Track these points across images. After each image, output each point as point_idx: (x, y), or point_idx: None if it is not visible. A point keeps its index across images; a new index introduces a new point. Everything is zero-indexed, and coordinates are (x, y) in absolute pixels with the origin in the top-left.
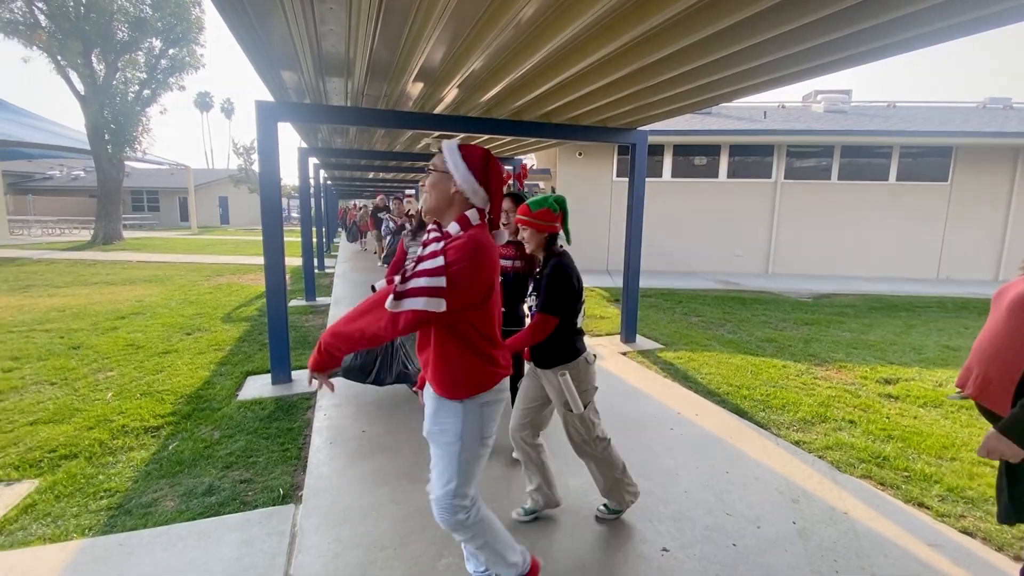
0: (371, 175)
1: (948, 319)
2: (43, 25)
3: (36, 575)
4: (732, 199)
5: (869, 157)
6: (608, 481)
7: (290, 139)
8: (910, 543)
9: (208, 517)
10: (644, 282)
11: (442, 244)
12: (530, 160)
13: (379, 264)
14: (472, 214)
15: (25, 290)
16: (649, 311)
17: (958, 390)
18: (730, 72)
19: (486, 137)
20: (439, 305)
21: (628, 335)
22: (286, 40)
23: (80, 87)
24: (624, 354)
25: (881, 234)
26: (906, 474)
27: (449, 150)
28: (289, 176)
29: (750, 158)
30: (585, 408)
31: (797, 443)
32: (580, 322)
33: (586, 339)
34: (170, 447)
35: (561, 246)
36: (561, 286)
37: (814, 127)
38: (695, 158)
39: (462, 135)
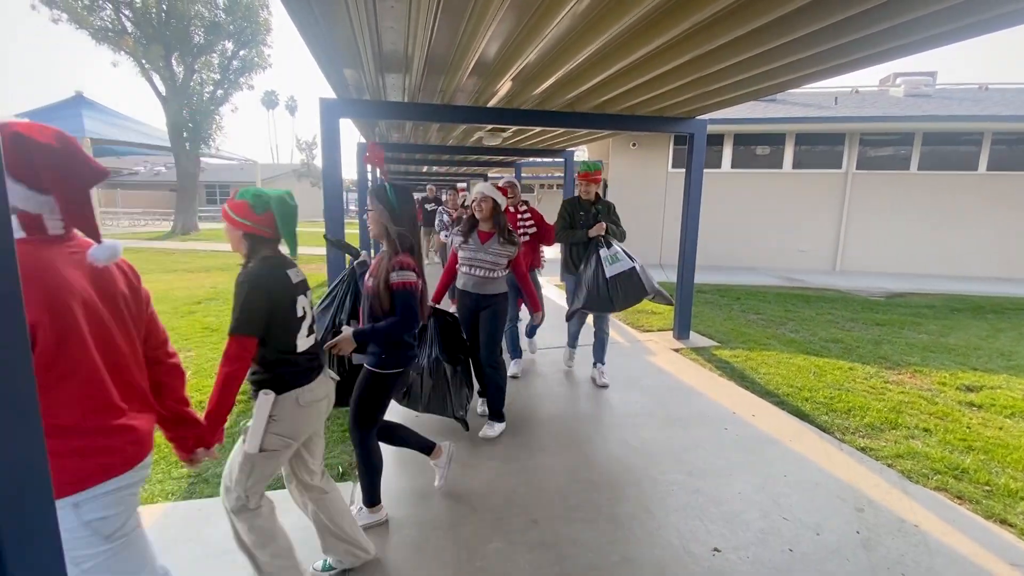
0: (424, 169)
1: None
2: (129, 31)
3: None
4: (797, 191)
5: (956, 144)
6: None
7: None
8: (989, 562)
9: (276, 489)
10: (699, 277)
11: None
12: (581, 152)
13: (427, 261)
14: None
15: None
16: (704, 307)
17: None
18: (795, 58)
19: (538, 129)
20: None
21: (681, 331)
22: (349, 38)
23: (161, 88)
24: (676, 351)
25: (967, 228)
26: (987, 488)
27: None
28: (348, 170)
29: (818, 147)
30: (260, 453)
31: (863, 449)
32: (303, 345)
33: (635, 333)
34: (241, 424)
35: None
36: (246, 299)
37: (892, 113)
38: (757, 147)
39: (514, 128)
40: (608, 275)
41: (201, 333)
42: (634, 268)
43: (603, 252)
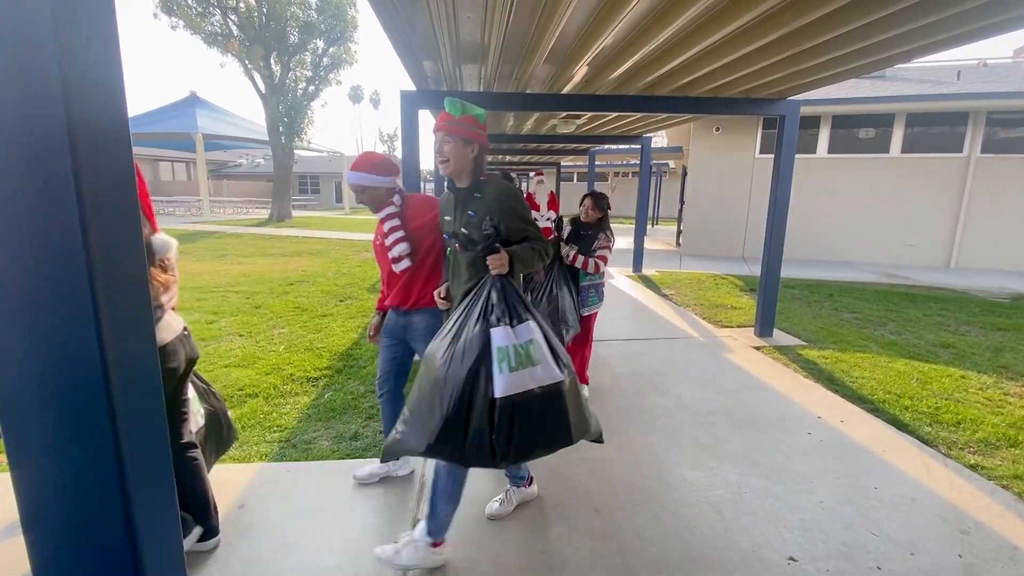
0: (500, 157)
1: None
2: (235, 34)
3: (229, 485)
4: (906, 178)
5: None
6: None
7: (427, 124)
8: None
9: (354, 458)
10: (787, 271)
11: None
12: (660, 138)
13: None
14: None
15: (221, 258)
16: (791, 304)
17: None
18: (904, 29)
19: (614, 115)
20: None
21: (764, 328)
22: (427, 30)
23: (261, 86)
24: (758, 348)
25: None
26: None
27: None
28: (426, 160)
29: (934, 129)
30: None
31: (973, 467)
32: None
33: (712, 329)
34: (325, 396)
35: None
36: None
37: None
38: (859, 130)
39: (591, 114)
40: (496, 392)
41: (293, 312)
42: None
43: (494, 331)
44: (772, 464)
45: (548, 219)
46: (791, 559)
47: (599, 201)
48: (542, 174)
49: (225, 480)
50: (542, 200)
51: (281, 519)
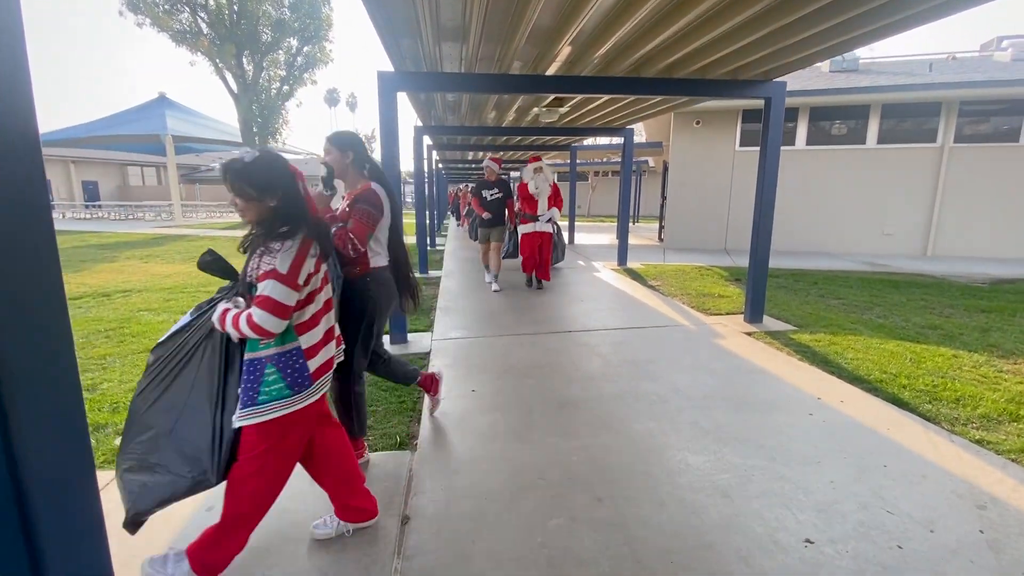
0: (479, 155)
1: None
2: (205, 32)
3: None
4: (882, 168)
5: None
6: None
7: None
8: None
9: None
10: (770, 262)
11: None
12: (639, 135)
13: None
14: None
15: (193, 260)
16: (777, 292)
17: None
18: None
19: (597, 103)
20: None
21: (753, 315)
22: (408, 5)
23: (233, 86)
24: (749, 334)
25: None
26: None
27: None
28: (405, 163)
29: (907, 120)
30: None
31: (979, 442)
32: None
33: (701, 317)
34: None
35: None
36: None
37: (1000, 77)
38: (836, 123)
39: (578, 97)
40: None
41: None
42: None
43: None
44: (777, 446)
45: (548, 220)
46: (808, 541)
47: None
48: (539, 159)
49: None
50: (542, 193)
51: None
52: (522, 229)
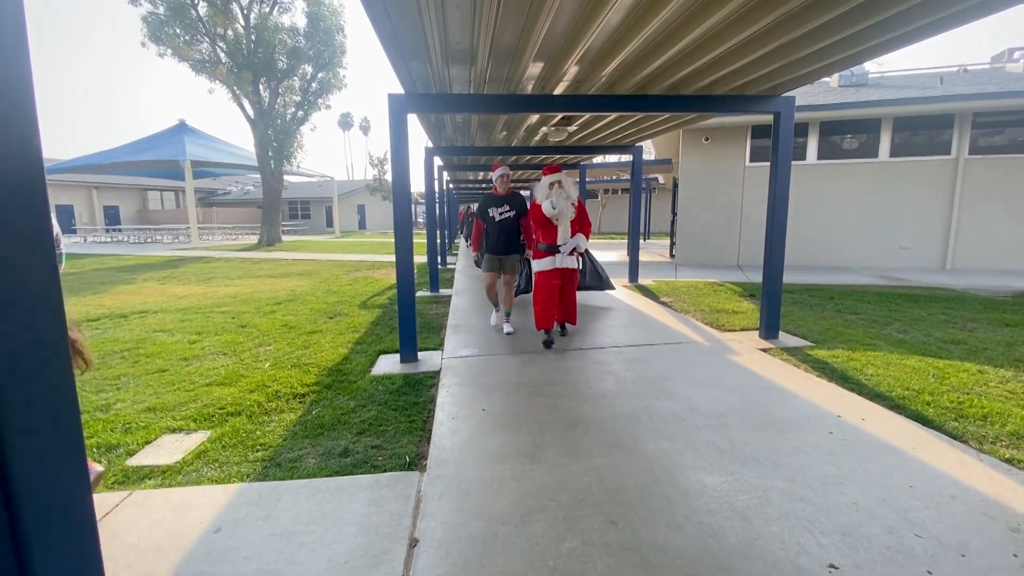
0: (489, 175)
1: None
2: (223, 61)
3: (204, 508)
4: (896, 182)
5: None
6: None
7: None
8: None
9: (343, 476)
10: (784, 278)
11: None
12: (648, 153)
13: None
14: None
15: (208, 281)
16: (792, 307)
17: None
18: (892, 12)
19: (605, 121)
20: None
21: (769, 331)
22: (417, 28)
23: (250, 112)
24: (765, 350)
25: None
26: None
27: None
28: (416, 183)
29: (920, 133)
30: None
31: (1009, 460)
32: None
33: (715, 333)
34: (313, 412)
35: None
36: None
37: (1012, 89)
38: (847, 136)
39: (586, 115)
40: None
41: (280, 330)
42: None
43: None
44: (796, 466)
45: (572, 250)
46: (832, 567)
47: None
48: (558, 169)
49: (198, 503)
50: (562, 215)
51: (261, 543)
52: (537, 265)
